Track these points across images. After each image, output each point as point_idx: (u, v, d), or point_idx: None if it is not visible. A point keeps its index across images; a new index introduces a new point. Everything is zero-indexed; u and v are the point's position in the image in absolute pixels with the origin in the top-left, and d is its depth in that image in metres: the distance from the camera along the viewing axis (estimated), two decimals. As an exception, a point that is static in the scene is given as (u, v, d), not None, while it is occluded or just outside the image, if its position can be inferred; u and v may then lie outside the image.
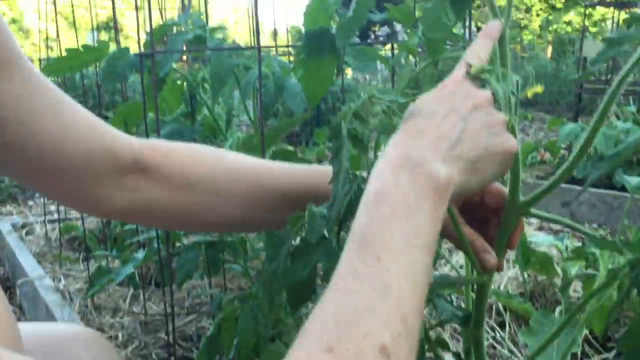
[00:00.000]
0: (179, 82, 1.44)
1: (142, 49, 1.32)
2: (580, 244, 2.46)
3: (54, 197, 0.82)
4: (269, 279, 0.71)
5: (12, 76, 0.67)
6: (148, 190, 0.81)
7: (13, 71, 0.67)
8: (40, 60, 3.25)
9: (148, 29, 1.19)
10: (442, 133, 0.57)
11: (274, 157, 1.25)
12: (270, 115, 1.21)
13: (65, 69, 1.24)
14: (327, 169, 0.74)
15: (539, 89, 0.63)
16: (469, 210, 0.77)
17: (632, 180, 0.82)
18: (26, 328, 0.82)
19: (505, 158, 0.61)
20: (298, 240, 0.76)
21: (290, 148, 1.66)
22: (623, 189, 3.03)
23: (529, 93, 0.63)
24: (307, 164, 0.92)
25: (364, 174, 0.67)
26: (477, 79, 0.62)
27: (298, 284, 0.67)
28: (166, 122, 1.44)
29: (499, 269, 0.75)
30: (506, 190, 0.73)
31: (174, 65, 1.33)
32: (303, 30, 0.80)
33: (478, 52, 0.64)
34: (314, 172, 0.82)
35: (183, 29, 1.24)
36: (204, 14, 2.33)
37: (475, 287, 0.77)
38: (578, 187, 3.01)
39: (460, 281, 0.73)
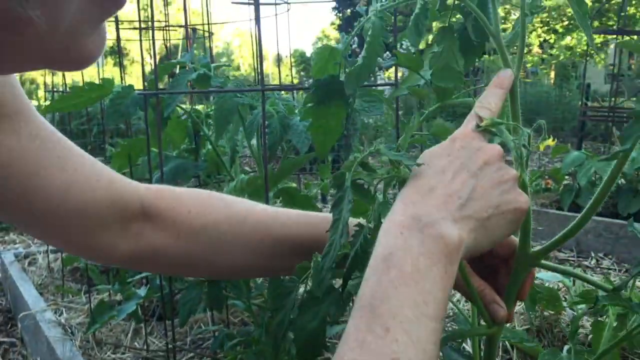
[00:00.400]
0: (183, 118, 1.44)
1: (147, 86, 1.32)
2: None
3: (58, 245, 0.81)
4: (275, 330, 0.69)
5: (19, 130, 0.67)
6: (153, 237, 0.80)
7: (20, 125, 0.67)
8: (45, 92, 3.27)
9: (152, 55, 1.19)
10: (453, 191, 0.55)
11: (277, 195, 1.24)
12: (275, 155, 1.21)
13: (69, 107, 1.25)
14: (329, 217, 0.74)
15: (550, 142, 0.62)
16: (477, 260, 0.76)
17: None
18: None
19: (517, 216, 0.60)
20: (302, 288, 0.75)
21: (294, 184, 1.66)
22: (628, 217, 3.01)
23: (542, 146, 0.62)
24: (311, 206, 0.91)
25: (371, 224, 0.67)
26: (488, 132, 0.61)
27: (309, 336, 0.65)
28: (170, 158, 1.44)
29: (509, 320, 0.73)
30: (516, 240, 0.72)
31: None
32: (311, 63, 0.80)
33: (489, 103, 0.63)
34: (321, 221, 0.81)
35: (187, 68, 1.25)
36: (209, 39, 2.34)
37: (484, 338, 0.76)
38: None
39: (469, 333, 0.72)
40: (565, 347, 1.42)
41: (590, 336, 1.52)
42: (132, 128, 2.67)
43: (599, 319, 1.00)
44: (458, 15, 0.74)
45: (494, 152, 0.60)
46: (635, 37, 4.80)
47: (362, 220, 0.71)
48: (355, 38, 0.73)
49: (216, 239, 0.81)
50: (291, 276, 0.73)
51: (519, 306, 1.79)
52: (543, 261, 0.73)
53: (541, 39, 18.12)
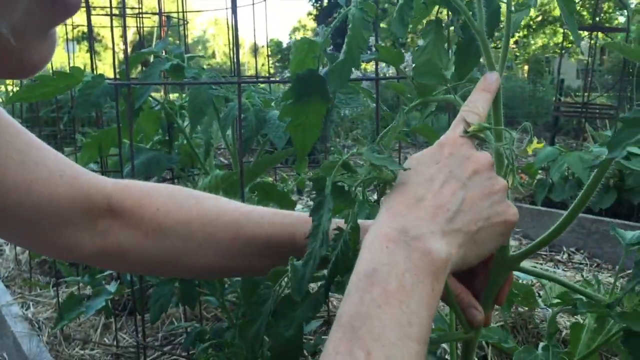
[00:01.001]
0: (156, 109, 1.40)
1: (118, 76, 1.28)
2: (556, 270, 2.46)
3: (20, 243, 0.78)
4: (252, 340, 0.67)
5: None
6: (121, 235, 0.77)
7: None
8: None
9: (124, 43, 1.15)
10: (441, 202, 0.53)
11: (252, 190, 1.21)
12: (251, 149, 1.18)
13: (37, 97, 1.20)
14: (308, 217, 0.71)
15: (537, 144, 0.60)
16: None
17: (626, 235, 0.80)
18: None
19: (507, 228, 0.58)
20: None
21: (270, 178, 1.63)
22: (600, 213, 3.05)
23: (530, 149, 0.60)
24: (288, 201, 0.88)
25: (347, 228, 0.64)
26: (476, 137, 0.59)
27: (285, 344, 0.63)
28: (142, 150, 1.40)
29: (486, 324, 0.72)
30: None
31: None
32: (289, 70, 0.77)
33: (476, 107, 0.60)
34: (296, 220, 0.79)
35: (161, 57, 1.21)
36: (184, 27, 2.29)
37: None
38: (559, 211, 3.02)
39: (446, 338, 0.70)
40: (541, 345, 1.43)
41: (564, 332, 1.52)
42: (103, 117, 2.61)
43: (577, 319, 0.99)
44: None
45: (484, 160, 0.57)
46: (609, 33, 4.85)
47: (340, 221, 0.69)
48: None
49: (186, 238, 0.78)
50: (265, 282, 0.70)
51: (494, 302, 1.79)
52: (522, 264, 0.72)
53: (518, 36, 18.29)
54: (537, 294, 1.64)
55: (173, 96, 2.03)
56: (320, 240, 0.57)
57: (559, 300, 1.08)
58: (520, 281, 1.67)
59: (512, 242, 2.91)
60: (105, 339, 1.79)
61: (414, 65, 0.72)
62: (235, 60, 1.02)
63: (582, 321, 1.02)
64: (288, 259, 0.69)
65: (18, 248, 2.65)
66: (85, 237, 0.75)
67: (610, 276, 2.47)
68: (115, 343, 1.73)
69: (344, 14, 0.67)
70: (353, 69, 0.66)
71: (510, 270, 0.70)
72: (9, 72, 0.37)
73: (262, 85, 1.47)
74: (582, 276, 2.46)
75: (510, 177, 0.64)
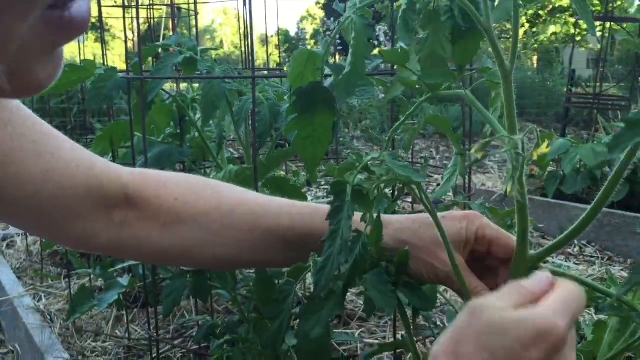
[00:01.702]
0: (167, 102, 1.39)
1: (130, 69, 1.27)
2: (568, 263, 2.44)
3: (37, 234, 0.78)
4: (274, 337, 0.66)
5: None
6: (137, 225, 0.77)
7: None
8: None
9: (137, 35, 1.14)
10: None
11: (265, 184, 1.20)
12: (264, 142, 1.17)
13: (49, 90, 1.19)
14: (326, 209, 0.70)
15: (545, 149, 0.59)
16: (476, 260, 0.74)
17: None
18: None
19: None
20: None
21: (282, 172, 1.62)
22: (613, 206, 3.02)
23: (535, 154, 0.59)
24: (300, 196, 0.87)
25: (368, 230, 0.64)
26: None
27: (313, 343, 0.62)
28: (154, 143, 1.39)
29: None
30: (514, 240, 0.70)
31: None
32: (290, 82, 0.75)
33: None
34: (315, 212, 0.78)
35: (173, 50, 1.20)
36: (194, 17, 2.28)
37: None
38: (570, 204, 3.00)
39: None
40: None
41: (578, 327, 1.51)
42: (114, 108, 2.60)
43: (601, 318, 0.98)
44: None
45: None
46: (622, 24, 4.79)
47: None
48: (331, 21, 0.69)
49: (204, 229, 0.78)
50: (287, 279, 0.69)
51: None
52: (542, 264, 0.70)
53: (527, 26, 18.15)
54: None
55: (182, 86, 2.02)
56: (339, 247, 0.56)
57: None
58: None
59: (532, 240, 2.91)
60: (117, 331, 1.80)
61: (418, 57, 0.71)
62: (249, 54, 1.00)
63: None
64: (305, 250, 0.68)
65: (30, 239, 2.66)
66: (101, 228, 0.75)
67: (622, 270, 2.46)
68: (127, 335, 1.73)
69: (344, 22, 0.66)
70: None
71: (530, 269, 0.69)
72: (11, 90, 0.36)
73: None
74: (594, 270, 2.44)
75: (509, 184, 0.62)
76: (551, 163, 3.68)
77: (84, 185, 0.71)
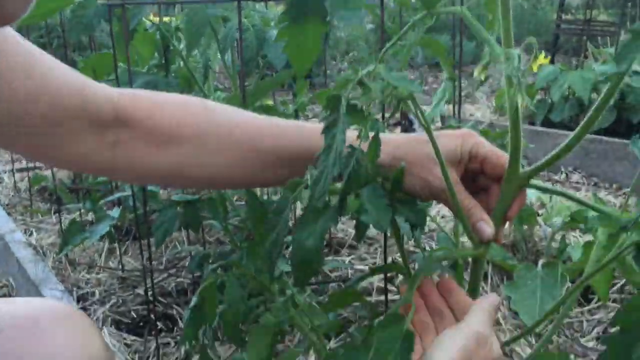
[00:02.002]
0: (150, 31, 1.36)
1: (111, -3, 1.23)
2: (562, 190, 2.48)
3: (30, 156, 0.77)
4: (270, 248, 0.67)
5: None
6: (131, 146, 0.76)
7: None
8: None
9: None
10: None
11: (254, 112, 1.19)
12: (252, 71, 1.15)
13: (26, 20, 1.15)
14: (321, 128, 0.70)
15: (543, 59, 0.58)
16: (469, 178, 0.74)
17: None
18: (6, 305, 0.78)
19: None
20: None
21: (270, 101, 1.60)
22: (598, 132, 3.03)
23: (534, 67, 0.58)
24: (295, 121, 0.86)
25: (363, 145, 0.64)
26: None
27: (306, 253, 0.63)
28: (139, 74, 1.36)
29: (497, 240, 0.72)
30: (507, 158, 0.70)
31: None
32: None
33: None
34: (312, 132, 0.77)
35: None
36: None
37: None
38: (558, 131, 3.01)
39: (456, 254, 0.71)
40: (540, 262, 1.45)
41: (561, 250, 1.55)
42: (95, 41, 2.54)
43: (578, 239, 1.00)
44: None
45: None
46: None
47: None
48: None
49: (199, 150, 0.77)
50: (283, 191, 0.69)
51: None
52: (533, 181, 0.71)
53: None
54: (537, 213, 1.66)
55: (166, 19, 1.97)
56: (333, 159, 0.56)
57: (570, 220, 1.09)
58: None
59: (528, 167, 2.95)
60: (110, 263, 1.82)
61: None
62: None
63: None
64: (302, 170, 0.68)
65: (17, 176, 2.64)
66: (94, 149, 0.74)
67: (608, 194, 2.50)
68: (120, 267, 1.75)
69: None
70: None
71: (521, 187, 0.70)
72: None
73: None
74: (581, 195, 2.48)
75: (519, 96, 0.63)
76: (539, 91, 3.66)
77: (75, 105, 0.70)
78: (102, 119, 0.73)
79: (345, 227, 1.91)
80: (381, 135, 0.65)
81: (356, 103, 0.58)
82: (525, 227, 1.67)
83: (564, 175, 2.80)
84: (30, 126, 0.68)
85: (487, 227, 0.70)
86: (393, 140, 0.73)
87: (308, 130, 0.77)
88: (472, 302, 0.67)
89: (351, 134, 0.60)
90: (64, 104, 0.69)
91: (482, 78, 0.61)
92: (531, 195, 1.51)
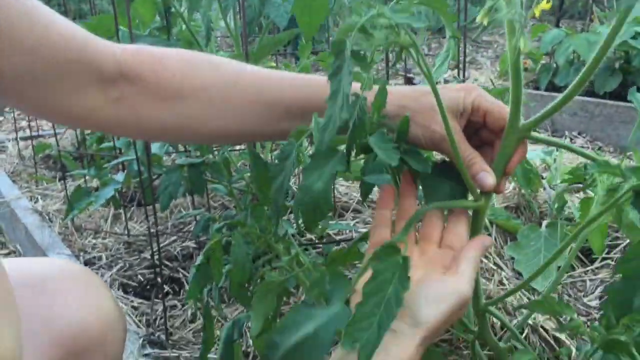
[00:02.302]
0: (151, -7, 1.34)
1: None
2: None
3: (34, 113, 0.77)
4: (276, 193, 0.67)
5: None
6: (135, 101, 0.76)
7: None
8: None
9: None
10: None
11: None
12: (254, 31, 1.14)
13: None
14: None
15: (545, 4, 0.58)
16: (473, 132, 0.75)
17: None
18: (10, 264, 0.78)
19: None
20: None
21: (273, 64, 1.59)
22: (604, 96, 3.01)
23: (537, 12, 0.58)
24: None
25: (366, 93, 0.63)
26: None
27: (315, 196, 0.63)
28: (140, 37, 1.35)
29: (498, 191, 0.73)
30: (509, 111, 0.70)
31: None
32: None
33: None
34: (317, 84, 0.76)
35: None
36: None
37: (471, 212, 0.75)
38: (560, 95, 2.98)
39: (455, 204, 0.70)
40: (544, 223, 1.46)
41: (567, 211, 1.55)
42: (96, 9, 2.51)
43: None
44: None
45: None
46: None
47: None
48: None
49: (205, 104, 0.77)
50: (289, 139, 0.69)
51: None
52: (533, 133, 0.71)
53: None
54: (541, 176, 1.66)
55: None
56: (340, 104, 0.56)
57: (569, 176, 1.09)
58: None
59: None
60: (116, 228, 1.83)
61: None
62: None
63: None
64: (308, 122, 0.68)
65: (21, 144, 2.65)
66: (99, 104, 0.74)
67: (612, 158, 2.49)
68: (126, 232, 1.76)
69: None
70: None
71: (521, 138, 0.70)
72: None
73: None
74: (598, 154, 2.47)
75: (522, 41, 0.62)
76: (544, 56, 3.63)
77: (78, 60, 0.69)
78: (105, 74, 0.72)
79: (349, 192, 1.91)
80: (391, 88, 0.65)
81: (359, 49, 0.58)
82: (530, 189, 1.67)
83: (568, 140, 2.79)
84: (34, 79, 0.67)
85: (489, 177, 0.70)
86: (398, 91, 0.73)
87: (315, 82, 0.77)
88: (462, 243, 0.69)
89: (355, 85, 0.59)
90: (67, 57, 0.68)
91: (485, 23, 0.60)
92: (535, 157, 1.50)
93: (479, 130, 0.75)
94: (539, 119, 0.69)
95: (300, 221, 0.65)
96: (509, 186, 1.75)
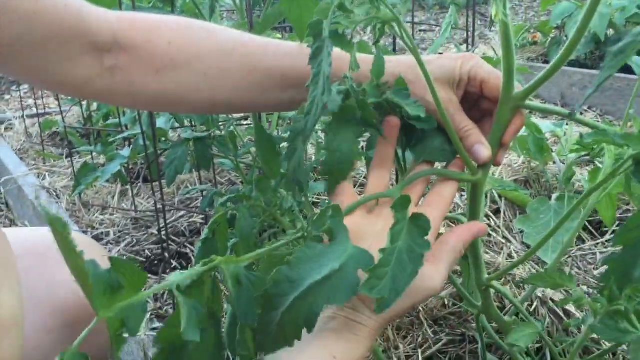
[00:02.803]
0: (154, -36, 1.32)
1: None
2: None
3: (30, 81, 0.76)
4: (295, 171, 0.66)
5: None
6: (130, 71, 0.75)
7: None
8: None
9: None
10: None
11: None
12: (259, 3, 1.12)
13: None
14: None
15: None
16: (472, 102, 0.73)
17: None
18: (14, 233, 0.78)
19: None
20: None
21: (278, 35, 1.57)
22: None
23: None
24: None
25: (349, 73, 0.62)
26: None
27: (341, 158, 0.63)
28: (143, 9, 1.33)
29: (495, 163, 0.71)
30: None
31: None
32: None
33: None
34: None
35: None
36: None
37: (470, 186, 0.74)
38: (572, 69, 2.95)
39: (452, 176, 0.69)
40: (554, 196, 1.44)
41: (577, 184, 1.53)
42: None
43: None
44: None
45: None
46: None
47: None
48: None
49: (201, 73, 0.76)
50: (296, 114, 0.68)
51: (506, 158, 1.79)
52: (528, 102, 0.69)
53: None
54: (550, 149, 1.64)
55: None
56: (322, 87, 0.55)
57: (577, 146, 1.08)
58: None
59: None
60: (123, 205, 1.83)
61: None
62: None
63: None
64: (305, 91, 0.67)
65: (28, 122, 2.65)
66: (94, 73, 0.73)
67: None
68: (133, 208, 1.76)
69: None
70: None
71: (516, 107, 0.68)
72: None
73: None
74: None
75: (494, 9, 0.60)
76: (554, 30, 3.58)
77: (73, 28, 0.68)
78: (100, 43, 0.71)
79: (360, 168, 1.90)
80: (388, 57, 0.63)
81: (338, 29, 0.57)
82: (538, 163, 1.65)
83: (578, 115, 2.76)
84: (27, 48, 0.67)
85: (484, 150, 0.68)
86: (394, 59, 0.72)
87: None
88: (444, 206, 0.67)
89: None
90: (62, 25, 0.67)
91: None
92: (545, 128, 1.48)
93: (479, 101, 0.73)
94: (530, 88, 0.67)
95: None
96: (518, 160, 1.73)
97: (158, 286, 0.51)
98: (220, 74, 0.75)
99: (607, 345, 0.94)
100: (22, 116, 2.68)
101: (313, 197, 1.68)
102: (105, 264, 0.80)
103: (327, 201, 1.31)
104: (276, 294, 0.52)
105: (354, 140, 0.62)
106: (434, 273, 0.60)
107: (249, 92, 0.77)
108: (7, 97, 3.51)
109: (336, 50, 0.58)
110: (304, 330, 0.51)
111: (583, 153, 1.47)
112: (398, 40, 0.87)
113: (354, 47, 0.61)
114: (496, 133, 0.70)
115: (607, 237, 1.40)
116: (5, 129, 2.70)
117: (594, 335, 1.07)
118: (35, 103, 2.66)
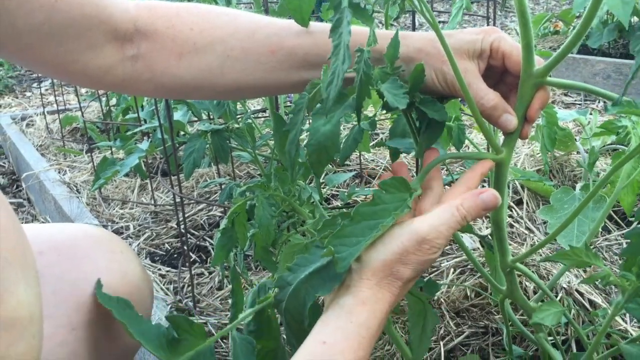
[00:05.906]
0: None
1: None
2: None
3: (51, 72, 0.75)
4: (289, 147, 0.65)
5: None
6: (152, 58, 0.74)
7: None
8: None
9: None
10: None
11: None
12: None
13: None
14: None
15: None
16: (497, 77, 0.72)
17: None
18: (37, 229, 0.78)
19: None
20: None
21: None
22: (633, 57, 2.89)
23: None
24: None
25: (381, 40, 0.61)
26: None
27: (322, 138, 0.62)
28: None
29: (522, 136, 0.70)
30: None
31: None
32: None
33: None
34: None
35: None
36: None
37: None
38: (595, 58, 2.90)
39: (476, 156, 0.68)
40: (578, 185, 1.41)
41: (601, 174, 1.50)
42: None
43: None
44: None
45: None
46: None
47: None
48: None
49: (223, 56, 0.75)
50: (302, 93, 0.67)
51: (528, 148, 1.76)
52: (549, 78, 0.68)
53: None
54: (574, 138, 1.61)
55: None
56: (342, 57, 0.54)
57: (602, 129, 1.05)
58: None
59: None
60: (142, 199, 1.83)
61: None
62: None
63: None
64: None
65: (48, 118, 2.66)
66: (115, 62, 0.73)
67: (648, 121, 2.41)
68: (152, 202, 1.76)
69: None
70: None
71: (537, 84, 0.66)
72: None
73: None
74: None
75: None
76: (576, 18, 3.51)
77: (93, 16, 0.68)
78: (120, 31, 0.71)
79: (375, 158, 1.88)
80: (403, 33, 0.62)
81: (359, 1, 0.55)
82: (563, 152, 1.62)
83: (601, 104, 2.71)
84: (51, 36, 0.66)
85: (512, 117, 0.68)
86: (415, 34, 0.71)
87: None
88: (455, 193, 0.66)
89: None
90: (83, 13, 0.67)
91: None
92: (568, 117, 1.44)
93: (504, 76, 0.72)
94: (550, 64, 0.66)
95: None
96: (541, 150, 1.70)
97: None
98: (244, 55, 0.74)
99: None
100: (43, 112, 2.70)
101: (332, 189, 1.67)
102: (127, 260, 0.79)
103: (345, 193, 1.29)
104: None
105: (338, 122, 0.62)
106: (417, 221, 0.62)
107: (273, 73, 0.76)
108: (28, 94, 3.54)
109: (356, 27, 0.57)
110: None
111: (609, 141, 1.43)
112: (417, 17, 0.86)
113: (373, 21, 0.60)
114: (519, 109, 0.69)
115: (633, 227, 1.37)
116: (27, 125, 2.72)
117: (620, 327, 1.04)
118: (56, 99, 2.67)
